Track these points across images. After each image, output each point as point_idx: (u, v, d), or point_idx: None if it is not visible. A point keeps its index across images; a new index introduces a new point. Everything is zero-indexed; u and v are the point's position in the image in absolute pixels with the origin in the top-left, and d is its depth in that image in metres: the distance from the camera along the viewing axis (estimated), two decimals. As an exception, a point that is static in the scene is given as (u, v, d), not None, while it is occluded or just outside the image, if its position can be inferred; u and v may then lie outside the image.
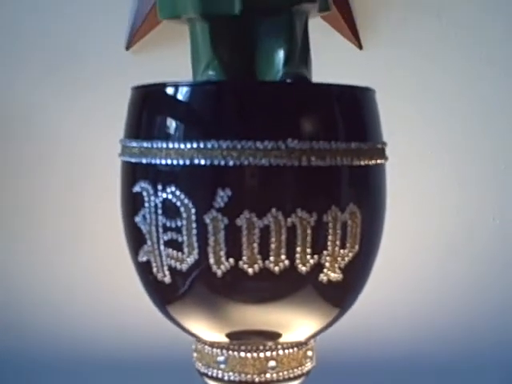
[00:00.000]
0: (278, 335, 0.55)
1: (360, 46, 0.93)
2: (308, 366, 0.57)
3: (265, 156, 0.48)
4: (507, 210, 0.93)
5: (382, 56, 0.92)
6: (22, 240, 0.90)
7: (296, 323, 0.54)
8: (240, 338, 0.55)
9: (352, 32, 0.92)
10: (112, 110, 0.92)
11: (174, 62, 0.73)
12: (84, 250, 0.89)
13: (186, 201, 0.50)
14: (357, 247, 0.52)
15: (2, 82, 0.93)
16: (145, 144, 0.52)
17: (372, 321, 0.82)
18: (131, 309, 0.80)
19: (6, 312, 0.89)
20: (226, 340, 0.55)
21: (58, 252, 0.89)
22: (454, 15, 0.92)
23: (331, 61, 0.89)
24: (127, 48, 0.93)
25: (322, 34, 0.82)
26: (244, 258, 0.49)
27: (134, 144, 0.53)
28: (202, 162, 0.49)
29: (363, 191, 0.53)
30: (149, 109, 0.53)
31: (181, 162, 0.50)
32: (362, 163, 0.52)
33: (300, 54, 0.56)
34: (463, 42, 0.93)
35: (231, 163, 0.48)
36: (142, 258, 0.53)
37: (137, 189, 0.52)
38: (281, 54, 0.55)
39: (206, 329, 0.55)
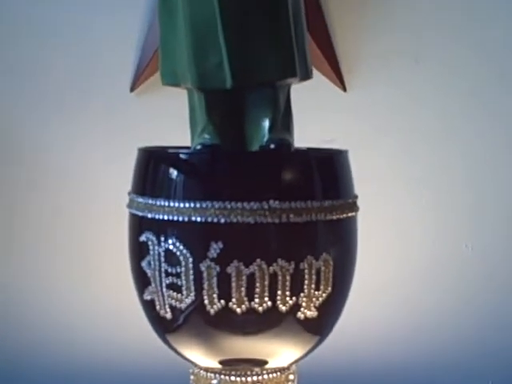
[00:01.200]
0: (265, 362, 0.65)
1: (344, 89, 1.03)
2: (290, 388, 0.68)
3: (251, 215, 0.59)
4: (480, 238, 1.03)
5: (365, 98, 1.02)
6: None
7: (279, 352, 0.64)
8: (231, 364, 0.65)
9: (336, 75, 1.02)
10: (115, 149, 1.02)
11: (175, 104, 0.81)
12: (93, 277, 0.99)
13: (185, 251, 0.60)
14: (329, 289, 0.63)
15: (14, 119, 1.02)
16: (150, 201, 0.62)
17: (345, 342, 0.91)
18: (135, 337, 0.89)
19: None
20: (219, 366, 0.65)
21: (70, 278, 0.99)
22: (430, 60, 1.02)
23: (317, 102, 0.99)
24: (131, 90, 1.02)
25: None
26: (233, 299, 0.60)
27: (141, 200, 0.63)
28: (198, 219, 0.59)
29: (335, 241, 0.63)
30: (153, 170, 0.64)
31: (180, 219, 0.60)
32: (335, 217, 0.62)
33: (282, 120, 0.66)
34: (440, 82, 1.03)
35: (222, 220, 0.59)
36: (147, 297, 0.64)
37: (143, 238, 0.63)
38: (266, 122, 0.65)
39: (202, 357, 0.65)
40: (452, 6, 1.03)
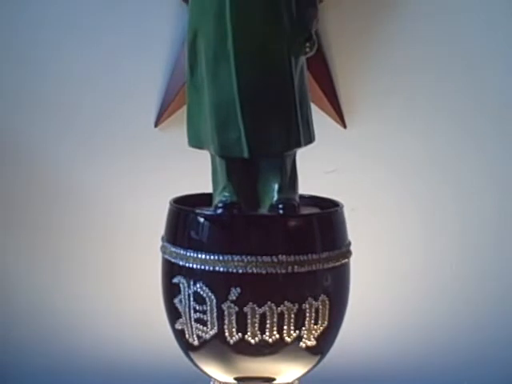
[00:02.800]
0: (273, 379, 0.82)
1: (344, 125, 1.18)
2: (292, 399, 0.85)
3: (263, 266, 0.75)
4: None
5: (363, 134, 1.17)
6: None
7: (285, 371, 0.82)
8: (244, 380, 0.82)
9: (337, 113, 1.17)
10: (139, 182, 1.18)
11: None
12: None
13: (210, 294, 0.77)
14: (326, 323, 0.79)
15: (45, 152, 1.17)
16: (181, 251, 0.79)
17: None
18: (161, 352, 1.06)
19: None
20: (235, 382, 0.82)
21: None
22: (422, 100, 1.18)
23: (320, 137, 1.12)
24: (156, 125, 1.18)
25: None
26: (248, 333, 0.77)
27: (173, 249, 0.80)
28: (221, 269, 0.76)
29: (331, 284, 0.80)
30: (182, 225, 0.80)
31: (206, 268, 0.76)
32: (331, 265, 0.79)
33: (289, 182, 0.82)
34: (432, 120, 1.19)
35: (240, 271, 0.75)
36: (178, 327, 0.81)
37: (175, 280, 0.79)
38: (275, 185, 0.81)
39: (220, 373, 0.82)
40: (444, 49, 1.18)
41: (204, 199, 0.87)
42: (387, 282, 1.16)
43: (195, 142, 0.84)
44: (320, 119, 1.10)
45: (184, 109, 1.08)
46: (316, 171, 1.15)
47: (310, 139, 0.85)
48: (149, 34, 1.17)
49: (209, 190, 0.88)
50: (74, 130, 1.19)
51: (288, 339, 0.77)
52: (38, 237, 1.18)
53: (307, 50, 0.80)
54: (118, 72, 1.19)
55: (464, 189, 1.20)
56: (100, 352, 1.15)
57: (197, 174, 0.92)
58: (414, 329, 1.19)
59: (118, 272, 1.15)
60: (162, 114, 1.18)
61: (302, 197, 0.86)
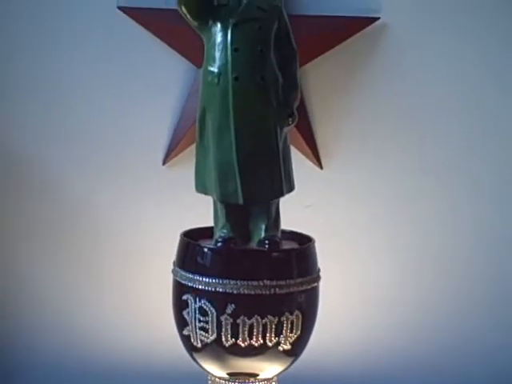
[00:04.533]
0: (257, 375, 1.10)
1: (321, 167, 1.45)
2: (272, 391, 1.13)
3: (252, 289, 1.03)
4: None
5: (337, 175, 1.45)
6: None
7: (266, 369, 1.09)
8: (235, 375, 1.09)
9: (314, 156, 1.44)
10: (148, 218, 1.43)
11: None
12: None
13: (211, 308, 1.04)
14: (299, 332, 1.07)
15: (71, 185, 1.44)
16: (189, 275, 1.06)
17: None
18: (169, 352, 1.33)
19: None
20: (227, 376, 1.10)
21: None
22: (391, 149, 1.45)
23: (298, 176, 1.35)
24: (164, 163, 1.45)
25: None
26: (240, 338, 1.04)
27: (183, 272, 1.07)
28: (220, 290, 1.03)
29: (304, 303, 1.07)
30: (190, 254, 1.08)
31: (209, 288, 1.04)
32: (304, 288, 1.07)
33: (273, 223, 1.10)
34: (394, 161, 1.46)
35: (235, 292, 1.03)
36: (185, 333, 1.08)
37: (184, 297, 1.07)
38: (263, 225, 1.09)
39: (216, 369, 1.10)
40: (410, 100, 1.45)
41: (207, 232, 1.14)
42: (354, 303, 1.44)
43: (201, 188, 1.12)
44: (300, 161, 1.39)
45: (189, 149, 1.37)
46: (296, 205, 1.41)
47: (290, 188, 1.12)
48: (161, 79, 1.43)
49: (210, 221, 1.14)
50: (91, 163, 1.45)
51: (270, 344, 1.05)
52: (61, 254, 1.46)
53: (290, 122, 1.08)
54: (132, 114, 1.45)
55: (425, 225, 1.47)
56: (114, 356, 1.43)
57: (199, 206, 1.19)
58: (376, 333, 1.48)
59: (133, 290, 1.42)
60: (170, 153, 1.45)
61: (283, 232, 1.14)
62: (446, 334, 1.47)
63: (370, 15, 1.41)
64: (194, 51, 1.29)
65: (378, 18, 1.41)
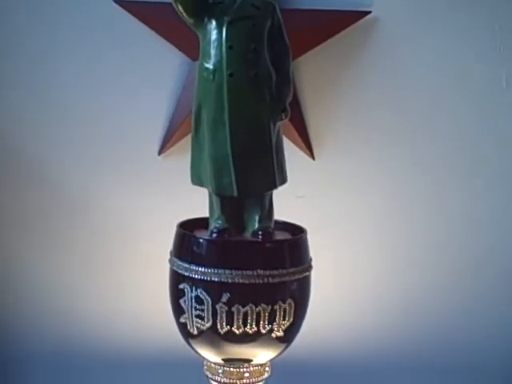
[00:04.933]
0: (250, 360, 1.14)
1: (313, 157, 1.50)
2: (265, 375, 1.17)
3: (246, 278, 1.07)
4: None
5: (329, 165, 1.49)
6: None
7: (260, 355, 1.14)
8: (229, 361, 1.14)
9: (307, 146, 1.48)
10: (145, 207, 1.47)
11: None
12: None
13: (207, 297, 1.08)
14: (291, 319, 1.12)
15: (69, 178, 1.48)
16: (185, 265, 1.10)
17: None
18: (166, 339, 1.37)
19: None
20: (222, 362, 1.14)
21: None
22: (381, 137, 1.49)
23: (291, 167, 1.38)
24: (159, 153, 1.49)
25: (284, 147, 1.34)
26: (234, 326, 1.09)
27: (180, 263, 1.11)
28: (216, 279, 1.08)
29: (296, 291, 1.12)
30: (186, 245, 1.12)
31: (205, 278, 1.08)
32: (296, 277, 1.11)
33: (267, 214, 1.14)
34: (383, 152, 1.50)
35: (230, 281, 1.07)
36: (182, 321, 1.13)
37: (181, 286, 1.11)
38: (256, 216, 1.13)
39: (212, 355, 1.14)
40: (400, 93, 1.49)
41: (202, 223, 1.19)
42: (345, 292, 1.49)
43: (197, 181, 1.16)
44: (292, 152, 1.43)
45: (184, 139, 1.41)
46: (289, 195, 1.45)
47: (283, 181, 1.17)
48: (156, 72, 1.46)
49: (205, 210, 1.18)
50: (89, 155, 1.49)
51: (263, 331, 1.10)
52: (60, 243, 1.50)
53: (283, 117, 1.12)
54: (128, 106, 1.49)
55: (416, 214, 1.52)
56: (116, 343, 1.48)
57: (194, 196, 1.22)
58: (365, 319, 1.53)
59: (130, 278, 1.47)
60: (165, 144, 1.48)
61: (276, 222, 1.18)
62: (434, 319, 1.52)
63: (362, 9, 1.44)
64: (189, 44, 1.33)
65: (370, 12, 1.45)
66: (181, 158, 1.41)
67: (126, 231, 1.48)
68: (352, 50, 1.47)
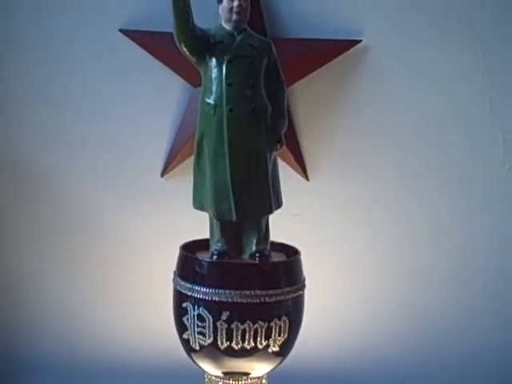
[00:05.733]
0: (248, 373, 1.23)
1: (307, 178, 1.59)
2: (263, 387, 1.27)
3: (244, 298, 1.16)
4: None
5: (322, 186, 1.58)
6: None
7: (257, 368, 1.23)
8: (229, 374, 1.23)
9: (301, 168, 1.58)
10: (148, 225, 1.56)
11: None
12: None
13: (208, 315, 1.18)
14: (286, 335, 1.21)
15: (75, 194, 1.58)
16: (188, 285, 1.19)
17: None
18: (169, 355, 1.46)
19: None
20: (222, 375, 1.24)
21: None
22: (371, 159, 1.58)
23: (287, 188, 1.45)
24: (162, 175, 1.58)
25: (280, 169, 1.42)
26: (233, 342, 1.18)
27: (183, 283, 1.21)
28: (216, 298, 1.17)
29: (291, 309, 1.21)
30: (189, 266, 1.21)
31: (206, 297, 1.17)
32: (291, 296, 1.20)
33: (263, 237, 1.23)
34: (375, 175, 1.60)
35: (229, 300, 1.16)
36: (185, 337, 1.22)
37: (184, 305, 1.20)
38: (254, 239, 1.22)
39: (212, 369, 1.24)
40: (389, 118, 1.59)
41: (203, 244, 1.28)
42: (339, 306, 1.58)
43: (199, 205, 1.25)
44: (288, 173, 1.52)
45: (186, 162, 1.50)
46: (285, 214, 1.53)
47: (278, 205, 1.26)
48: (159, 97, 1.56)
49: (205, 228, 1.26)
50: (96, 176, 1.58)
51: (260, 346, 1.19)
52: (68, 256, 1.59)
53: (278, 147, 1.22)
54: (133, 130, 1.58)
55: (405, 232, 1.61)
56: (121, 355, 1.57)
57: (194, 214, 1.30)
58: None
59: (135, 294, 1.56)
60: (168, 166, 1.57)
61: (272, 243, 1.28)
62: (420, 333, 1.62)
63: (353, 38, 1.54)
64: (190, 72, 1.41)
65: (360, 41, 1.54)
66: (182, 180, 1.50)
67: (131, 249, 1.57)
68: (344, 77, 1.57)
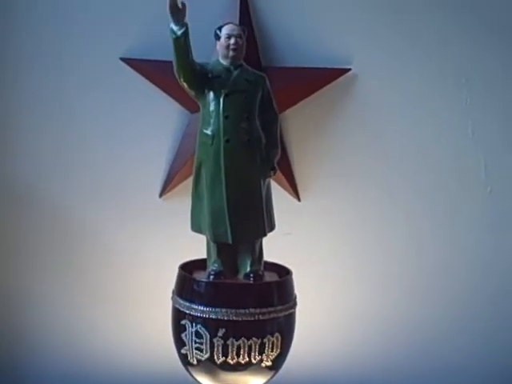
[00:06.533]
0: (243, 386, 1.33)
1: (299, 199, 1.68)
2: (256, 399, 1.36)
3: (239, 316, 1.25)
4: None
5: (313, 206, 1.67)
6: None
7: (251, 381, 1.32)
8: (225, 387, 1.32)
9: (293, 189, 1.67)
10: (147, 244, 1.64)
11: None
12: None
13: (206, 332, 1.27)
14: (279, 350, 1.30)
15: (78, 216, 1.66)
16: (187, 303, 1.28)
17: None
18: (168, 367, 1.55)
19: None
20: (218, 387, 1.33)
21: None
22: (359, 180, 1.68)
23: (279, 208, 1.54)
24: (160, 195, 1.66)
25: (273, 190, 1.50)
26: (229, 357, 1.27)
27: (181, 301, 1.30)
28: (213, 316, 1.26)
29: (283, 326, 1.30)
30: (187, 285, 1.30)
31: (203, 315, 1.26)
32: (283, 314, 1.29)
33: (257, 258, 1.32)
34: (361, 194, 1.69)
35: (225, 318, 1.25)
36: (183, 352, 1.31)
37: (182, 322, 1.29)
38: (248, 260, 1.31)
39: (209, 382, 1.32)
40: (377, 141, 1.68)
41: (200, 264, 1.37)
42: (328, 322, 1.67)
43: (196, 229, 1.34)
44: (280, 194, 1.61)
45: (183, 183, 1.59)
46: (277, 233, 1.62)
47: (271, 228, 1.35)
48: (158, 122, 1.65)
49: (201, 247, 1.35)
50: (97, 198, 1.67)
51: (254, 361, 1.28)
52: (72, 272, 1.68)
53: (271, 174, 1.31)
54: (133, 154, 1.66)
55: (390, 249, 1.70)
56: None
57: (191, 234, 1.39)
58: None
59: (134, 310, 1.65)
60: (166, 187, 1.66)
61: (265, 263, 1.37)
62: (408, 348, 1.71)
63: (342, 66, 1.63)
64: (187, 99, 1.48)
65: (350, 69, 1.63)
66: (179, 200, 1.58)
67: (131, 268, 1.66)
68: (334, 103, 1.66)
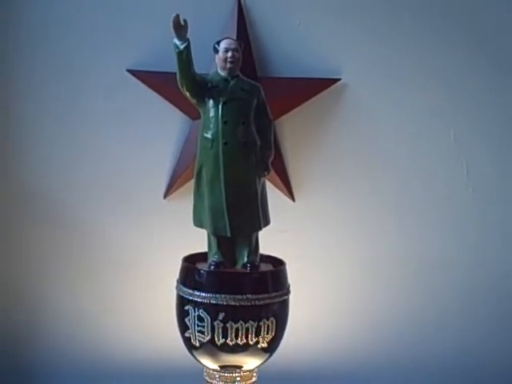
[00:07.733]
0: (241, 367, 1.47)
1: (293, 199, 1.83)
2: (253, 379, 1.51)
3: (237, 301, 1.41)
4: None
5: (307, 206, 1.82)
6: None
7: (249, 362, 1.47)
8: (225, 367, 1.47)
9: (287, 189, 1.82)
10: (152, 242, 1.80)
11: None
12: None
13: (207, 316, 1.42)
14: (273, 333, 1.45)
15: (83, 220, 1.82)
16: (190, 291, 1.44)
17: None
18: (172, 350, 1.70)
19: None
20: (219, 368, 1.48)
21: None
22: (349, 184, 1.83)
23: (274, 207, 1.68)
24: (165, 197, 1.82)
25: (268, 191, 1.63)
26: (228, 338, 1.42)
27: (184, 289, 1.45)
28: (214, 301, 1.41)
29: (277, 311, 1.45)
30: (190, 275, 1.45)
31: (205, 301, 1.42)
32: (277, 300, 1.45)
33: (254, 250, 1.48)
34: (356, 199, 1.84)
35: (225, 303, 1.41)
36: (186, 335, 1.46)
37: (186, 308, 1.45)
38: (245, 252, 1.47)
39: (210, 363, 1.47)
40: (369, 144, 1.84)
41: (202, 257, 1.52)
42: (320, 310, 1.82)
43: (198, 224, 1.50)
44: (276, 195, 1.77)
45: (186, 185, 1.74)
46: (273, 230, 1.74)
47: (266, 223, 1.51)
48: (162, 129, 1.80)
49: (202, 243, 1.51)
50: (105, 200, 1.82)
51: (251, 342, 1.43)
52: (83, 270, 1.83)
53: (265, 174, 1.47)
54: (138, 158, 1.82)
55: (378, 244, 1.86)
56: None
57: (193, 231, 1.54)
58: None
59: (144, 302, 1.81)
60: (170, 188, 1.81)
61: (261, 256, 1.52)
62: (396, 339, 1.86)
63: (332, 76, 1.79)
64: (189, 107, 1.65)
65: (340, 79, 1.79)
66: (183, 201, 1.73)
67: (138, 264, 1.81)
68: (325, 111, 1.82)
